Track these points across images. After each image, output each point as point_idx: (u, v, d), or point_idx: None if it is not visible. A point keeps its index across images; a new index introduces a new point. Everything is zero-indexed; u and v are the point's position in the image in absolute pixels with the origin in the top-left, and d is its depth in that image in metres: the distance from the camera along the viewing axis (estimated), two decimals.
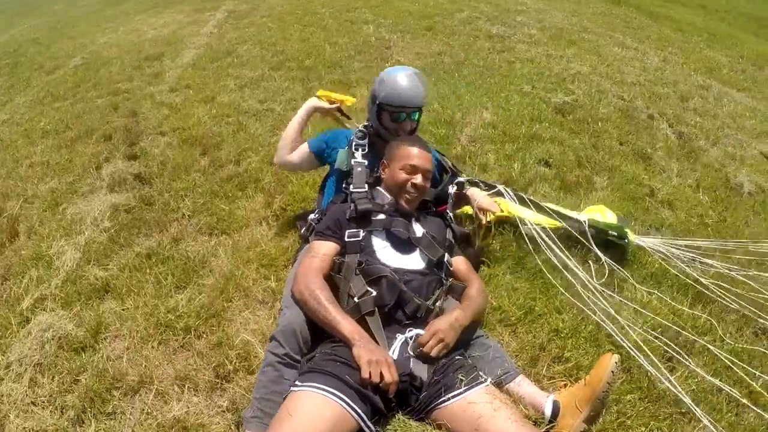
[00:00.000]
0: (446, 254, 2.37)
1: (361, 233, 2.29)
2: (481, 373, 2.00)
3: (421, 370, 1.93)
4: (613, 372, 1.92)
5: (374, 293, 2.10)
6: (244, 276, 2.83)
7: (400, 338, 2.03)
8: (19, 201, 3.95)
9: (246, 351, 2.33)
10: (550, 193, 3.68)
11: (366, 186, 2.53)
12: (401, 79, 2.68)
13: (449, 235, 2.51)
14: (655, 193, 3.89)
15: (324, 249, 2.28)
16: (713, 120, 5.66)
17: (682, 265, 2.91)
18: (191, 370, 2.28)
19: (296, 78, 5.97)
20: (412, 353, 1.99)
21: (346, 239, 2.29)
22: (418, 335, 2.04)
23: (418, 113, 2.74)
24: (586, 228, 2.95)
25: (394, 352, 1.98)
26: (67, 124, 5.44)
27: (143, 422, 2.08)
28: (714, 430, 2.04)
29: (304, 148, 2.96)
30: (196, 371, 2.28)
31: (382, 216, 2.37)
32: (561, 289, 2.69)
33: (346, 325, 1.97)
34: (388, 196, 2.49)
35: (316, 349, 2.07)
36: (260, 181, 3.79)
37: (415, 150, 2.44)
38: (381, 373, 1.79)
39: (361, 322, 2.05)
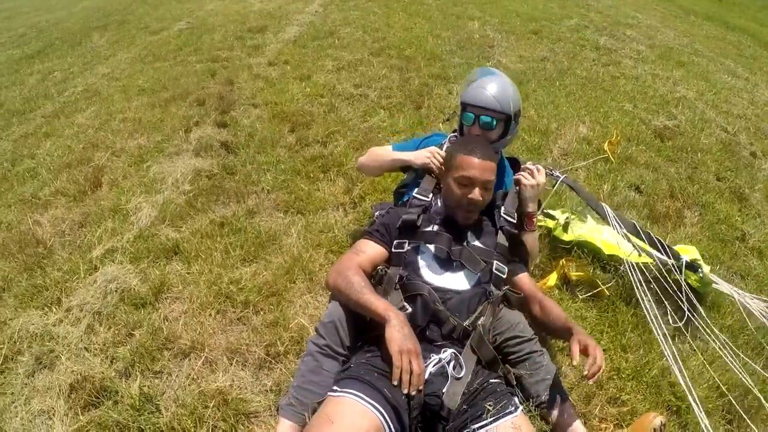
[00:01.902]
0: (495, 262, 2.26)
1: (407, 246, 2.25)
2: (517, 399, 1.94)
3: (452, 401, 1.87)
4: None
5: (409, 310, 2.07)
6: (312, 259, 2.90)
7: (434, 358, 1.98)
8: (107, 153, 4.27)
9: (300, 335, 2.39)
10: (637, 222, 3.49)
11: (431, 194, 2.45)
12: (483, 78, 2.57)
13: (501, 239, 2.36)
14: (746, 238, 3.66)
15: (369, 249, 2.25)
16: None
17: (762, 318, 2.73)
18: (243, 344, 2.37)
19: (394, 66, 6.05)
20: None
21: (393, 249, 2.26)
22: (453, 354, 2.00)
23: (493, 121, 2.52)
24: (682, 271, 2.80)
25: (427, 370, 1.93)
26: (164, 85, 5.81)
27: (186, 387, 2.19)
28: None
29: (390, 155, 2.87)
30: (247, 346, 2.36)
31: (431, 228, 2.30)
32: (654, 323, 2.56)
33: (380, 304, 1.96)
34: (441, 205, 2.42)
35: (354, 350, 2.08)
36: (343, 166, 3.86)
37: (472, 159, 2.24)
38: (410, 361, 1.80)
39: None
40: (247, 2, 9.91)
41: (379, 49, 6.73)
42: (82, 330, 2.50)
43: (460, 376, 1.95)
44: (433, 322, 2.08)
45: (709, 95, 6.38)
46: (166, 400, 2.14)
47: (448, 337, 2.07)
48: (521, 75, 6.06)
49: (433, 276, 2.19)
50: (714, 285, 2.87)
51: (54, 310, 2.64)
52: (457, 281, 2.20)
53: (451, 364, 1.98)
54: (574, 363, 1.92)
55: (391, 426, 1.74)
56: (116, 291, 2.70)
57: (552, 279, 2.87)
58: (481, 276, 2.22)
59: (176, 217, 3.30)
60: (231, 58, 6.62)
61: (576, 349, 1.93)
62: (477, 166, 2.22)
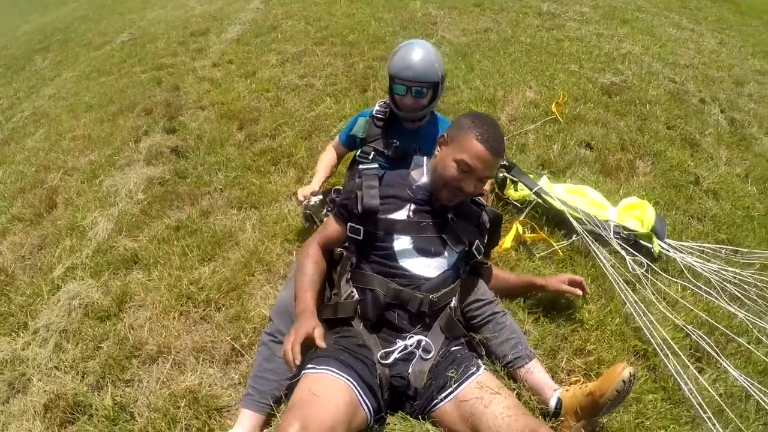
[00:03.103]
0: (476, 241, 2.17)
1: (362, 231, 2.07)
2: (479, 361, 1.97)
3: (418, 379, 1.87)
4: (617, 390, 1.75)
5: (356, 297, 2.01)
6: (268, 250, 2.87)
7: (400, 344, 1.92)
8: (59, 173, 4.18)
9: (262, 325, 2.36)
10: (590, 177, 3.57)
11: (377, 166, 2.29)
12: (408, 50, 2.63)
13: (484, 218, 2.22)
14: (700, 181, 3.69)
15: (329, 228, 2.19)
16: None
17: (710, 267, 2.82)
18: (208, 342, 2.35)
19: (338, 53, 5.98)
20: None
21: (348, 233, 2.11)
22: (420, 342, 1.95)
23: (424, 90, 2.63)
24: (611, 233, 2.91)
25: (392, 356, 1.90)
26: (111, 99, 5.68)
27: (157, 391, 2.17)
28: None
29: (339, 149, 3.05)
30: (212, 343, 2.35)
31: (407, 213, 2.10)
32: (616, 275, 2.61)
33: (300, 300, 1.93)
34: (426, 178, 2.17)
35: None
36: (293, 156, 3.83)
37: (481, 149, 1.94)
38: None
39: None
40: (188, 7, 9.71)
41: (322, 38, 6.63)
42: (50, 350, 2.46)
43: (428, 357, 1.93)
44: (397, 306, 1.99)
45: (654, 48, 6.40)
46: (139, 406, 2.12)
47: (417, 319, 2.00)
48: (465, 48, 6.01)
49: (409, 262, 2.05)
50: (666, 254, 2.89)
51: (21, 334, 2.60)
52: (433, 267, 2.07)
53: (419, 349, 1.94)
54: (579, 294, 2.32)
55: (367, 402, 1.74)
56: (80, 307, 2.66)
57: (507, 241, 2.86)
58: (459, 255, 2.13)
59: (132, 227, 3.25)
60: (175, 64, 6.49)
61: (566, 287, 2.33)
62: (484, 158, 1.96)
